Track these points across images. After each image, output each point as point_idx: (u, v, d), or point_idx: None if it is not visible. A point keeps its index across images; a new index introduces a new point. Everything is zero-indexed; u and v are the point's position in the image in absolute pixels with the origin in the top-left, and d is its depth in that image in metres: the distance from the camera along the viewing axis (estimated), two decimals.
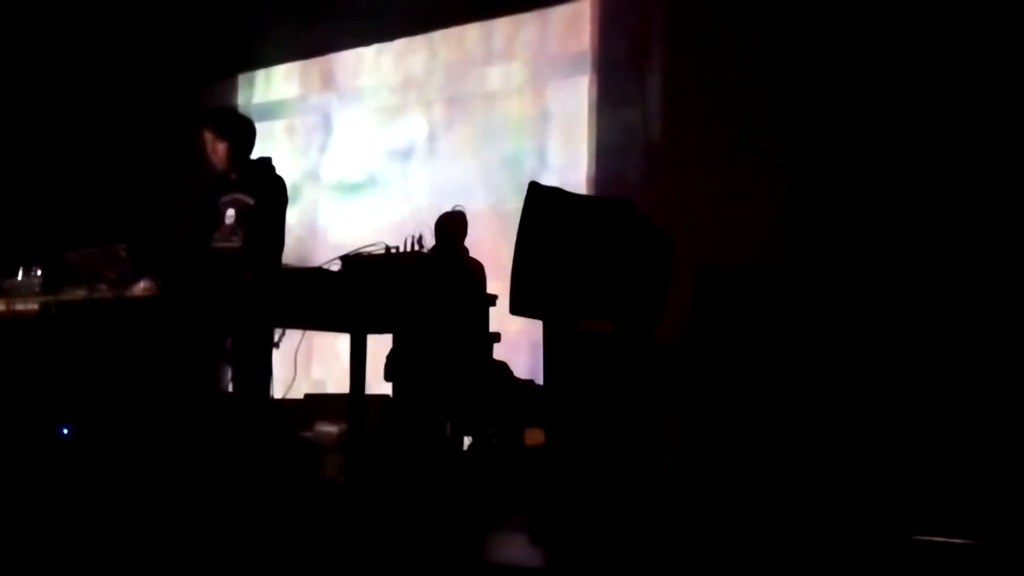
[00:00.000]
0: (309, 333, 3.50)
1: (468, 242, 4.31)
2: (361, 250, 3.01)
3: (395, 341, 3.93)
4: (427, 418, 3.72)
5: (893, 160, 3.88)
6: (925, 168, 3.79)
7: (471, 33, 5.44)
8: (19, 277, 3.35)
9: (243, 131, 3.61)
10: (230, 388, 3.54)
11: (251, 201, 3.54)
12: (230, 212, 3.56)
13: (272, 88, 6.31)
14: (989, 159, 3.67)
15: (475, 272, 4.22)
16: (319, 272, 2.92)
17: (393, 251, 3.38)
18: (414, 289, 3.06)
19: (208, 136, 3.58)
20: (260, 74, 6.34)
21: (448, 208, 4.30)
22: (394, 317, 3.18)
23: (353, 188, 5.85)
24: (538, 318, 3.12)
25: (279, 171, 3.72)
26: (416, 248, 3.93)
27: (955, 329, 3.64)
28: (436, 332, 3.98)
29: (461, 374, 3.71)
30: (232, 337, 3.43)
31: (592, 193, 4.79)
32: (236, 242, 3.52)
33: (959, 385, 3.57)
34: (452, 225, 4.20)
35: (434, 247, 4.09)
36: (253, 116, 4.08)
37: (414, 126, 5.62)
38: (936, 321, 3.69)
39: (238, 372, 3.47)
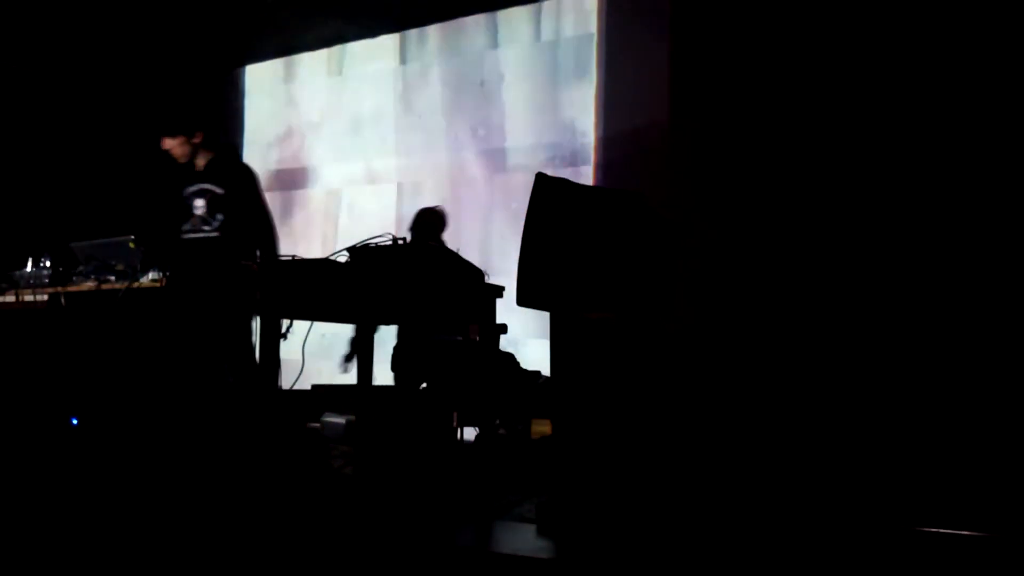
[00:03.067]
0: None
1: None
2: (368, 241, 3.00)
3: (401, 332, 3.93)
4: (433, 409, 3.73)
5: (897, 156, 3.86)
6: (924, 164, 3.78)
7: (477, 24, 5.43)
8: (28, 268, 3.37)
9: (194, 124, 3.66)
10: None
11: (220, 190, 3.59)
12: (199, 202, 3.61)
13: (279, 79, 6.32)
14: (982, 159, 3.66)
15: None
16: (326, 263, 2.92)
17: (400, 242, 3.38)
18: (422, 280, 3.05)
19: (163, 136, 3.62)
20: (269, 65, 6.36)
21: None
22: (402, 308, 3.18)
23: (356, 177, 5.86)
24: (545, 309, 3.11)
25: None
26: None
27: (960, 322, 3.62)
28: (443, 323, 3.99)
29: (467, 365, 3.71)
30: (234, 325, 3.46)
31: (600, 184, 4.78)
32: (210, 231, 3.57)
33: (965, 379, 3.55)
34: (434, 220, 4.16)
35: (411, 241, 4.07)
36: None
37: (416, 115, 5.62)
38: (942, 314, 3.67)
39: (232, 362, 3.49)
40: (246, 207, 3.60)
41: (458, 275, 3.17)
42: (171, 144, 3.62)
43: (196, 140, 3.65)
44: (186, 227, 3.62)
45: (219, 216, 3.57)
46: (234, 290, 3.07)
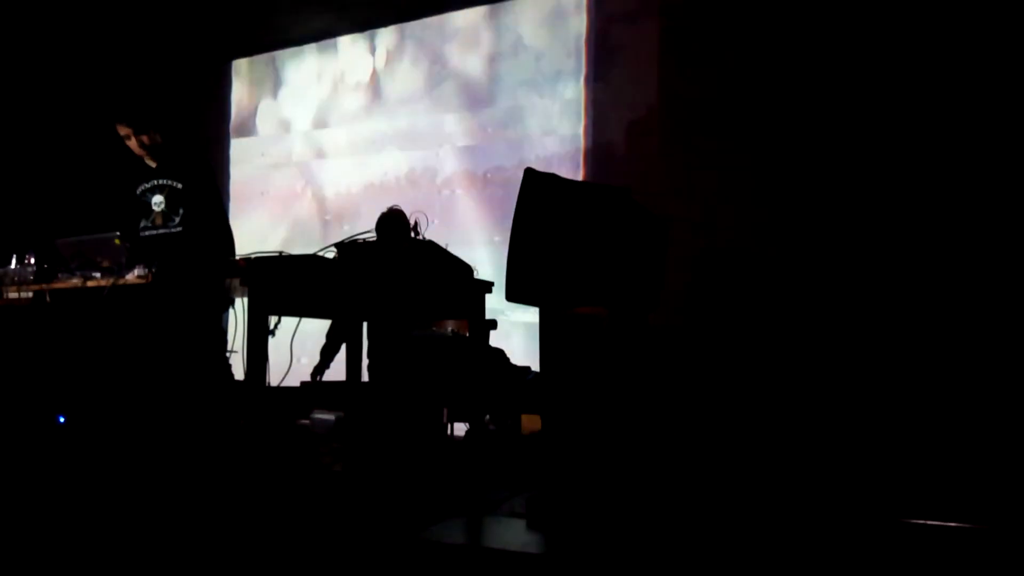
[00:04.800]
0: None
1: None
2: (356, 237, 2.99)
3: (371, 330, 3.90)
4: (421, 405, 3.72)
5: (886, 150, 3.88)
6: (916, 158, 3.80)
7: (468, 18, 5.42)
8: (13, 265, 3.34)
9: (160, 120, 3.59)
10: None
11: (179, 185, 3.52)
12: (157, 199, 3.53)
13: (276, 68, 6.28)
14: (980, 154, 3.67)
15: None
16: (314, 259, 2.90)
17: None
18: (411, 276, 3.04)
19: (126, 131, 3.53)
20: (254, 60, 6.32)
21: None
22: (391, 304, 3.17)
23: (350, 165, 5.84)
24: (534, 305, 3.11)
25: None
26: (412, 235, 3.90)
27: (948, 315, 3.64)
28: (433, 318, 3.98)
29: (457, 361, 3.70)
30: (206, 322, 3.42)
31: (587, 179, 4.79)
32: (172, 227, 3.50)
33: (954, 371, 3.57)
34: (397, 221, 4.10)
35: (376, 242, 4.03)
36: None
37: (405, 108, 5.61)
38: (929, 306, 3.69)
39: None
40: (206, 201, 3.53)
41: (447, 271, 3.16)
42: (143, 138, 3.51)
43: (164, 136, 3.57)
44: (145, 224, 3.54)
45: (180, 211, 3.49)
46: (206, 287, 3.01)
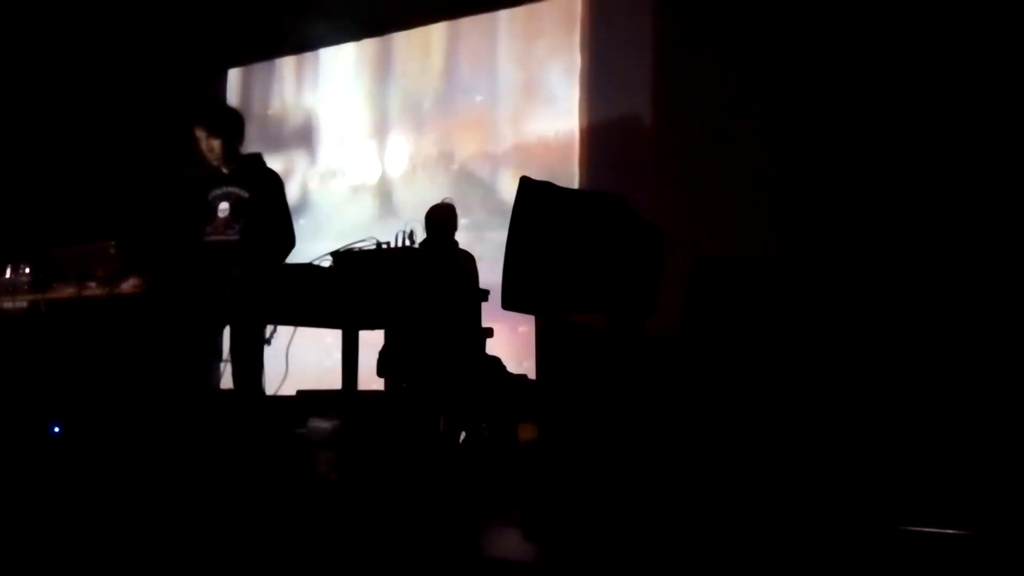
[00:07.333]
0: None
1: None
2: (352, 245, 2.99)
3: (387, 336, 3.91)
4: (420, 413, 3.72)
5: (883, 153, 3.88)
6: (914, 163, 3.80)
7: (465, 23, 5.43)
8: (7, 274, 3.34)
9: (235, 125, 3.61)
10: (227, 385, 3.52)
11: (246, 194, 3.53)
12: (223, 205, 3.54)
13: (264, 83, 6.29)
14: (978, 152, 3.67)
15: (466, 265, 4.20)
16: (310, 268, 2.91)
17: (384, 246, 3.38)
18: (406, 284, 3.05)
19: (201, 133, 3.55)
20: (251, 69, 6.33)
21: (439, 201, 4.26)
22: (386, 313, 3.17)
23: (340, 175, 5.84)
24: (531, 313, 3.12)
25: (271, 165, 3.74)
26: (407, 243, 3.91)
27: (946, 321, 3.65)
28: (429, 327, 3.97)
29: (454, 369, 3.70)
30: (230, 333, 3.42)
31: (583, 187, 4.79)
32: (232, 235, 3.50)
33: (952, 377, 3.58)
34: (443, 217, 4.17)
35: (425, 239, 4.06)
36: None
37: (401, 115, 5.62)
38: (928, 312, 3.70)
39: (236, 368, 3.45)
40: (270, 212, 3.54)
41: (442, 279, 3.17)
42: (213, 143, 3.53)
43: (237, 142, 3.59)
44: (208, 230, 3.56)
45: (242, 220, 3.51)
46: (253, 295, 3.00)
